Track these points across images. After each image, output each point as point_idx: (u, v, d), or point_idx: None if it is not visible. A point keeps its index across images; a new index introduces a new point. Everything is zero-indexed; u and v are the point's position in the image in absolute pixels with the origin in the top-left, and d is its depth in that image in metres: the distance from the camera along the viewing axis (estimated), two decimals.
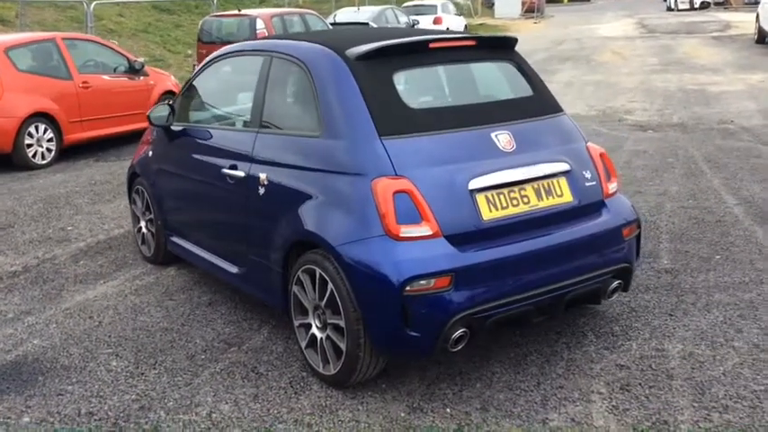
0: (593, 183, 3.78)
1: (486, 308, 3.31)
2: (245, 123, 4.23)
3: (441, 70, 3.93)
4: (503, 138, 3.57)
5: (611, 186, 3.88)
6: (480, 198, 3.39)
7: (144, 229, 5.48)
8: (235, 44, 4.76)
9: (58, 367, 3.91)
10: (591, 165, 3.82)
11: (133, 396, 3.59)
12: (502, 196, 3.46)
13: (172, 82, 11.19)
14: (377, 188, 3.26)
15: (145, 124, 5.59)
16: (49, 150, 9.11)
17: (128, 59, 10.38)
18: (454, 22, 24.58)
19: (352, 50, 3.59)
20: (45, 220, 6.78)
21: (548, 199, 3.59)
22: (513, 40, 4.03)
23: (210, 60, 4.79)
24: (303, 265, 3.58)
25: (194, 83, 4.90)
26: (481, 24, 32.40)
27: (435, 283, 3.19)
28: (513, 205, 3.47)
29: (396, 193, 3.25)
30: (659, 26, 30.97)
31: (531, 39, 26.33)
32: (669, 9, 42.26)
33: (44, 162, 9.03)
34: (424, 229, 3.24)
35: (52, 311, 4.67)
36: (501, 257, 3.35)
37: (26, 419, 3.42)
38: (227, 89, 4.84)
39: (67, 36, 10.08)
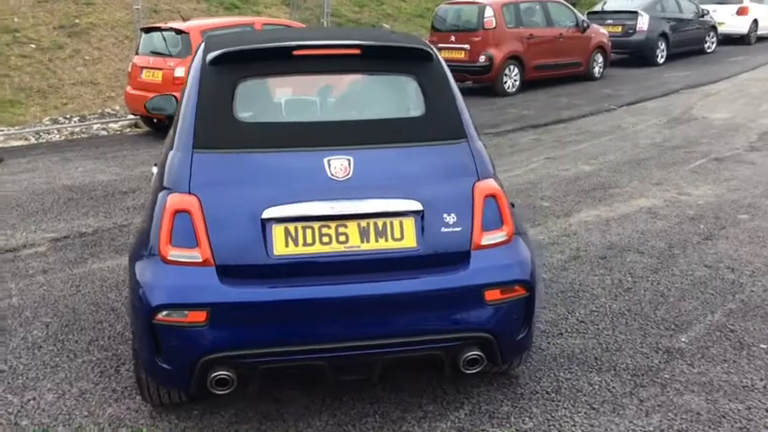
0: (458, 229, 3.10)
1: (253, 353, 2.94)
2: None
3: (311, 81, 3.48)
4: (337, 164, 3.08)
5: (491, 237, 3.14)
6: (277, 230, 2.98)
7: None
8: None
9: None
10: (465, 208, 3.12)
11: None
12: (309, 231, 3.01)
13: None
14: (166, 204, 3.05)
15: None
16: None
17: None
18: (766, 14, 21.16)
19: (211, 54, 3.36)
20: None
21: (377, 241, 3.03)
22: (419, 51, 3.39)
23: None
24: None
25: None
26: None
27: (189, 317, 2.91)
28: (323, 243, 3.00)
29: (177, 211, 3.01)
30: None
31: None
32: None
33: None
34: (193, 255, 2.96)
35: (62, 275, 5.17)
36: (277, 300, 2.94)
37: None
38: None
39: (268, 22, 10.80)
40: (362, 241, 3.02)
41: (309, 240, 3.00)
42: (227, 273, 2.95)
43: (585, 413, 3.32)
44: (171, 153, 3.22)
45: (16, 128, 11.07)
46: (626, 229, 5.92)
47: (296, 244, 2.99)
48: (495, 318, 3.10)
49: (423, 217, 3.07)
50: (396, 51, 3.45)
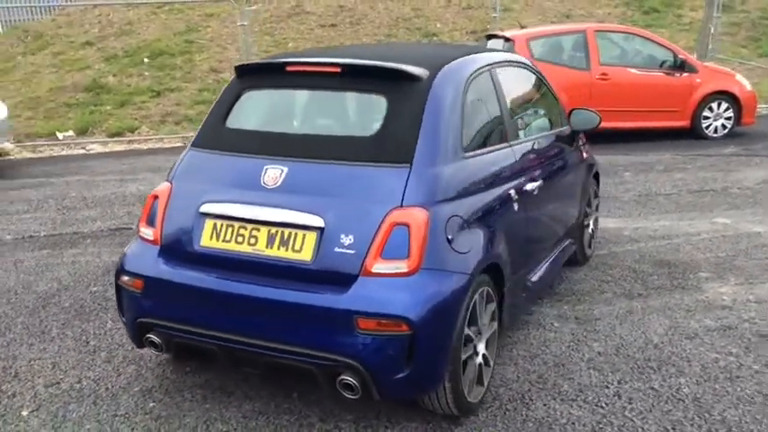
0: (351, 252, 3.08)
1: (167, 326, 3.40)
2: None
3: (299, 95, 3.67)
4: (271, 172, 3.34)
5: (387, 266, 3.04)
6: (209, 224, 3.39)
7: None
8: None
9: None
10: (367, 232, 3.08)
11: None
12: (231, 229, 3.34)
13: (734, 82, 10.13)
14: (154, 190, 3.68)
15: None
16: None
17: (674, 54, 10.00)
18: None
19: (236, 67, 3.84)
20: None
21: (279, 249, 3.22)
22: (397, 72, 3.35)
23: None
24: None
25: None
26: None
27: (134, 283, 3.50)
28: (237, 242, 3.31)
29: (154, 197, 3.62)
30: None
31: None
32: None
33: None
34: (149, 234, 3.54)
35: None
36: (185, 284, 3.34)
37: None
38: None
39: (601, 28, 10.31)
40: (267, 247, 3.24)
41: (228, 238, 3.34)
42: (166, 253, 3.47)
43: None
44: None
45: None
46: None
47: (217, 239, 3.36)
48: (366, 348, 3.02)
49: (323, 234, 3.13)
50: (372, 71, 3.47)
